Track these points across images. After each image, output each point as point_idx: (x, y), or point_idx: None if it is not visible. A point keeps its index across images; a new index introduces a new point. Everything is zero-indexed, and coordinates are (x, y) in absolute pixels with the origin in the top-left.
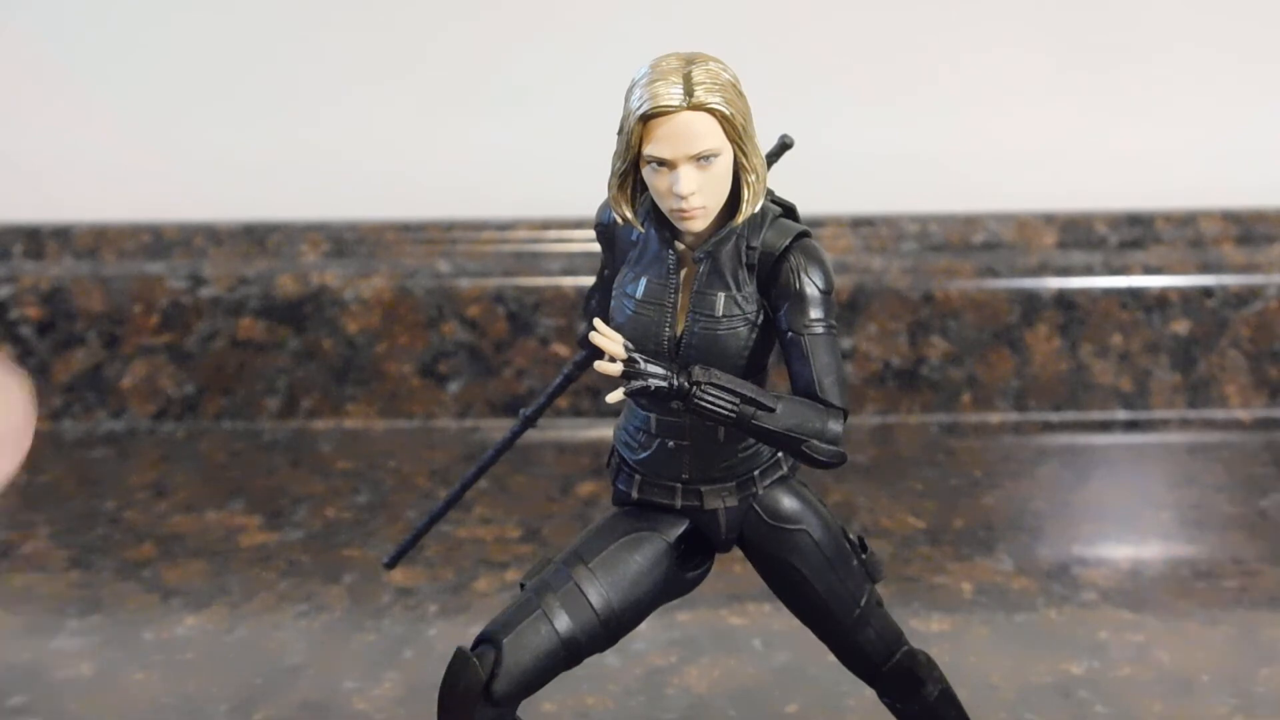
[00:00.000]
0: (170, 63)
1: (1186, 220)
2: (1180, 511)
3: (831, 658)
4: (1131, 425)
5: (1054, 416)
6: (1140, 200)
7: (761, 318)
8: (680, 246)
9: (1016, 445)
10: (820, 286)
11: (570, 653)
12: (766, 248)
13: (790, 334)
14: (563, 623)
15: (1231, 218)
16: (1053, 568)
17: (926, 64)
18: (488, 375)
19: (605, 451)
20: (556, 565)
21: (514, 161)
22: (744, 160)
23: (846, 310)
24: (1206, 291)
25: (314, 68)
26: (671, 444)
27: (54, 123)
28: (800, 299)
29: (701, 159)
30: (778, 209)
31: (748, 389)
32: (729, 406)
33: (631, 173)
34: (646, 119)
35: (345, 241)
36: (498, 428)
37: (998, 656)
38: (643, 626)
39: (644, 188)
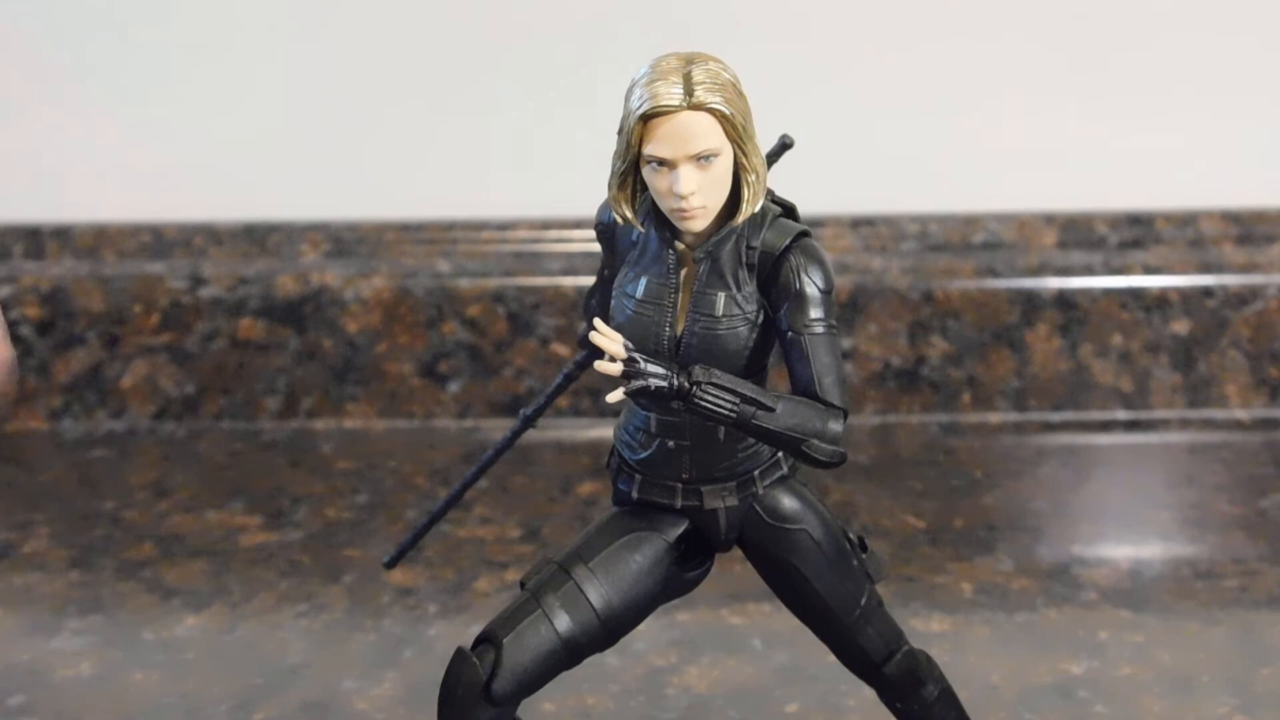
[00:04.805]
0: (171, 63)
1: (1186, 220)
2: (1180, 511)
3: (831, 658)
4: (1131, 425)
5: (1054, 416)
6: (1140, 200)
7: (761, 317)
8: (680, 246)
9: (1016, 445)
10: (820, 286)
11: (570, 653)
12: (766, 248)
13: (790, 333)
14: (563, 623)
15: (1231, 218)
16: (1053, 568)
17: (926, 64)
18: (488, 375)
19: (605, 451)
20: (556, 565)
21: (514, 161)
22: (744, 160)
23: (846, 310)
24: (1206, 291)
25: (314, 68)
26: (671, 444)
27: (54, 123)
28: (800, 298)
29: (701, 159)
30: (778, 209)
31: (748, 389)
32: (729, 406)
33: (631, 173)
34: (646, 119)
35: (345, 241)
36: (498, 428)
37: (998, 656)
38: (643, 626)
39: (644, 188)
